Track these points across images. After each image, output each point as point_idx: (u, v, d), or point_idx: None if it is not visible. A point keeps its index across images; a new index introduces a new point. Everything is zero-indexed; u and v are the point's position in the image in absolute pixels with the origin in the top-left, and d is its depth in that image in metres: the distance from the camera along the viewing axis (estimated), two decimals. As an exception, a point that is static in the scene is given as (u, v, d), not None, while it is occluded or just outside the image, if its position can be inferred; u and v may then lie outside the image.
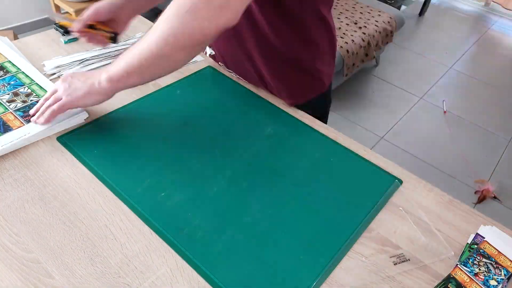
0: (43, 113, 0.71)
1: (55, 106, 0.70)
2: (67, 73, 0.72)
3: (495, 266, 0.58)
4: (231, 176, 0.69)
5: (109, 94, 0.70)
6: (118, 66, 0.66)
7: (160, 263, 0.56)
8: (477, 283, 0.56)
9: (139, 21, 1.10)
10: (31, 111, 0.74)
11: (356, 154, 0.76)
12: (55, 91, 0.71)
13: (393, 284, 0.56)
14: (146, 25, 1.08)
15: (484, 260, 0.59)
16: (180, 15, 0.59)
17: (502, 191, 1.93)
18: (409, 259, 0.59)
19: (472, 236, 0.63)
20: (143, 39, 0.64)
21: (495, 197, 1.89)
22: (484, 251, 0.60)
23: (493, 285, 0.56)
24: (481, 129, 2.36)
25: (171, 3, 0.61)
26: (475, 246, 0.61)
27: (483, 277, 0.57)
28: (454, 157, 2.14)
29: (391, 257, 0.59)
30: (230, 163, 0.71)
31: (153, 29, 0.62)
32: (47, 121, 0.71)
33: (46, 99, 0.72)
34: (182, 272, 0.55)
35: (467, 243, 0.62)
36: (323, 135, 0.80)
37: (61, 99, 0.70)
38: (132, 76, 0.66)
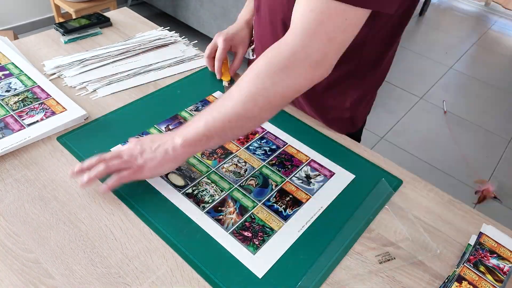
0: (98, 174, 0.60)
1: (125, 173, 0.61)
2: (134, 140, 0.64)
3: (500, 261, 0.59)
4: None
5: (184, 159, 0.63)
6: (196, 129, 0.59)
7: (160, 263, 0.56)
8: (486, 280, 0.56)
9: (139, 21, 1.09)
10: (76, 167, 0.62)
11: (356, 154, 0.76)
12: (118, 156, 0.62)
13: (393, 284, 0.56)
14: (146, 25, 1.08)
15: (489, 256, 0.59)
16: (272, 74, 0.54)
17: (502, 191, 1.93)
18: (394, 258, 0.59)
19: (474, 237, 0.63)
20: (225, 99, 0.58)
21: (495, 197, 1.89)
22: (489, 248, 0.60)
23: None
24: (481, 129, 2.36)
25: (259, 60, 0.56)
26: (478, 245, 0.61)
27: (489, 275, 0.57)
28: (454, 157, 2.14)
29: (376, 256, 0.59)
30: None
31: (238, 89, 0.57)
32: (110, 187, 0.61)
33: (104, 160, 0.62)
34: (182, 272, 0.55)
35: (468, 244, 0.62)
36: (323, 134, 0.80)
37: (130, 168, 0.61)
38: (213, 139, 0.60)
